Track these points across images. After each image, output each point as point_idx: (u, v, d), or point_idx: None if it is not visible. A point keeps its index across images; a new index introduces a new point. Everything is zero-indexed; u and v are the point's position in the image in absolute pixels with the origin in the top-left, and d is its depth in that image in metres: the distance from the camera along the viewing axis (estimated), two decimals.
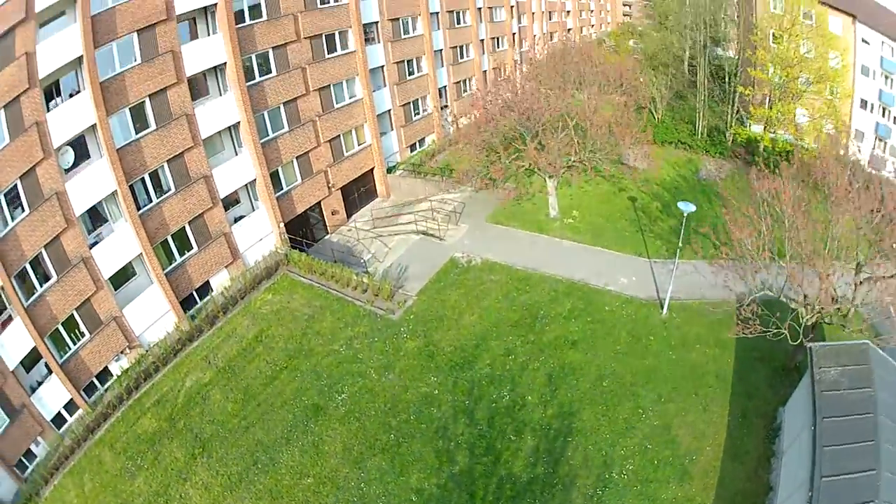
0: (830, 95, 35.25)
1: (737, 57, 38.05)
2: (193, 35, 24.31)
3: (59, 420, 21.02)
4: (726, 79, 38.11)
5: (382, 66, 35.00)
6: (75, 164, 21.10)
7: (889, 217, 17.30)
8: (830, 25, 35.92)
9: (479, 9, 45.24)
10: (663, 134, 39.56)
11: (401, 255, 27.72)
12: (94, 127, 20.54)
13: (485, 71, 46.77)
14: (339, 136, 31.41)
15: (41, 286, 19.98)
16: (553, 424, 19.12)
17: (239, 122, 25.86)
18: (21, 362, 19.62)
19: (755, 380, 19.87)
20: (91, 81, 19.75)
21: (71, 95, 20.50)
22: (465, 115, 42.14)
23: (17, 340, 19.27)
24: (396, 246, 28.75)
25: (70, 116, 19.88)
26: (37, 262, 19.78)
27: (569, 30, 69.59)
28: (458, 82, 43.33)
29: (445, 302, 24.29)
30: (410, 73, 37.40)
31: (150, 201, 23.37)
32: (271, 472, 18.50)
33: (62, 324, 20.66)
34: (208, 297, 26.32)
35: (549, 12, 64.26)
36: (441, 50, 40.54)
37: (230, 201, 27.21)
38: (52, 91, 20.04)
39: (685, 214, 19.94)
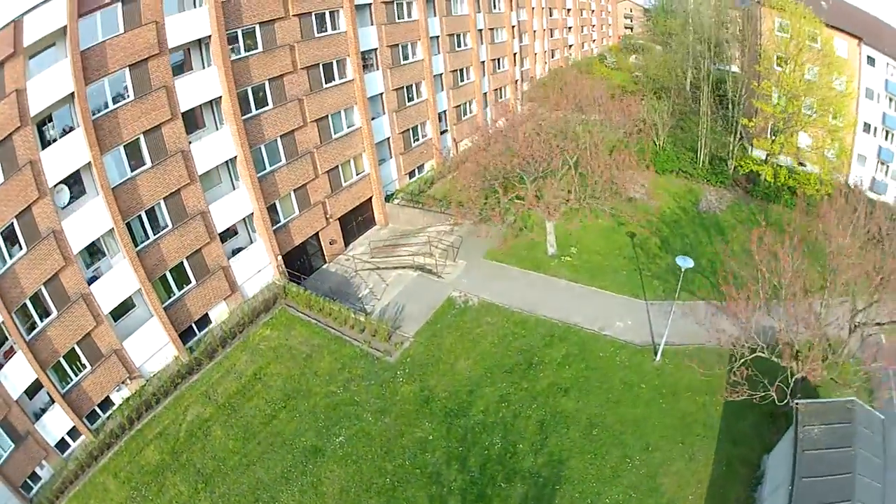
0: (834, 119, 35.13)
1: (740, 85, 37.64)
2: (188, 67, 24.32)
3: (62, 445, 21.52)
4: (729, 107, 37.90)
5: (381, 94, 34.86)
6: (72, 199, 21.25)
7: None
8: (836, 48, 35.83)
9: (480, 30, 45.08)
10: (664, 162, 39.26)
11: (398, 293, 27.66)
12: (88, 165, 20.60)
13: (485, 93, 46.70)
14: (337, 166, 31.38)
15: (42, 321, 20.32)
16: (542, 472, 19.29)
17: (236, 157, 25.92)
18: (24, 391, 20.12)
19: (742, 426, 19.94)
20: (83, 119, 19.75)
21: (65, 132, 20.45)
22: (467, 137, 42.48)
23: (20, 372, 19.75)
24: (394, 282, 28.67)
25: (64, 155, 19.94)
26: (37, 299, 20.04)
27: (570, 46, 69.58)
28: (458, 106, 43.18)
29: (441, 345, 24.32)
30: (410, 100, 37.21)
31: (148, 238, 23.45)
32: None
33: (64, 356, 21.04)
34: (207, 329, 26.53)
35: (551, 30, 64.16)
36: (441, 74, 40.40)
37: (228, 233, 27.29)
38: (45, 128, 20.07)
39: (682, 269, 19.84)
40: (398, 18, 35.33)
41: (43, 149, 19.43)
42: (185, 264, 24.96)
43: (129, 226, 22.35)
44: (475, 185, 26.94)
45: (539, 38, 60.56)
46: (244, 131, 25.51)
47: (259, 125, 26.54)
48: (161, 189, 23.10)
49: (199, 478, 20.13)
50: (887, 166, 37.50)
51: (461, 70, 43.16)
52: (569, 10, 68.30)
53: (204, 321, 26.60)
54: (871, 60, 35.72)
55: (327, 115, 30.15)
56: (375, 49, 33.93)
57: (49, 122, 20.14)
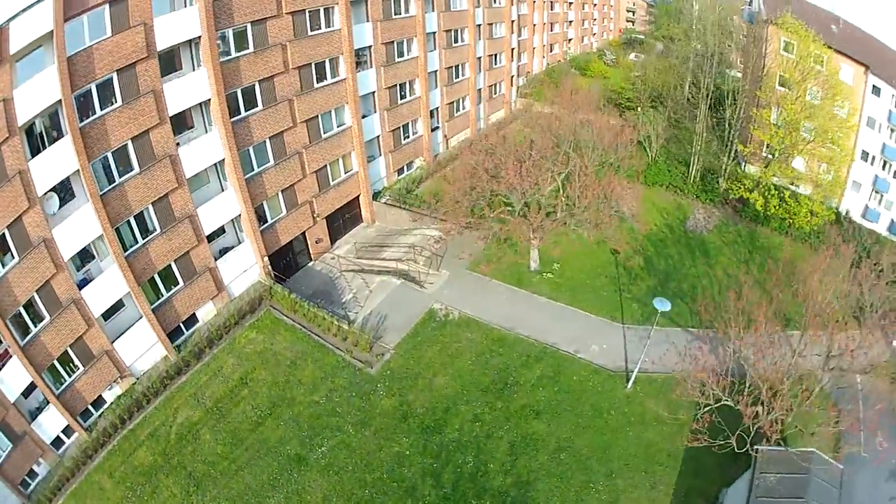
0: (832, 145, 35.08)
1: (738, 107, 36.89)
2: (179, 66, 23.70)
3: (57, 442, 22.16)
4: (726, 126, 37.31)
5: (373, 92, 34.28)
6: (62, 204, 21.13)
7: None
8: (841, 73, 35.47)
9: (479, 26, 44.15)
10: (655, 175, 38.93)
11: (381, 301, 27.82)
12: (77, 172, 20.31)
13: (480, 89, 46.16)
14: (325, 165, 31.13)
15: (35, 326, 20.51)
16: (510, 493, 19.98)
17: (224, 160, 25.69)
18: (20, 393, 20.52)
19: (705, 459, 20.42)
20: (71, 126, 19.36)
21: (53, 140, 20.00)
22: (459, 132, 42.22)
23: (16, 376, 20.07)
24: (377, 289, 28.81)
25: (53, 163, 19.62)
26: (30, 305, 20.19)
27: (569, 40, 68.54)
28: (452, 103, 42.63)
29: (421, 359, 24.66)
30: (402, 97, 36.61)
31: (137, 242, 23.45)
32: None
33: (57, 359, 21.35)
34: (194, 328, 26.88)
35: (551, 24, 63.04)
36: (435, 71, 39.74)
37: (216, 232, 27.19)
38: (33, 136, 19.65)
39: (659, 311, 20.19)
40: (395, 14, 34.48)
41: (31, 157, 19.12)
42: (174, 266, 25.04)
43: (118, 231, 22.30)
44: (462, 203, 26.81)
45: (538, 33, 59.53)
46: (233, 134, 25.18)
47: (248, 127, 26.13)
48: (149, 194, 22.93)
49: (191, 481, 20.77)
50: (881, 195, 37.78)
51: (457, 66, 42.40)
52: (570, 3, 67.01)
53: (191, 320, 26.86)
54: (876, 90, 35.34)
55: (317, 115, 29.70)
56: (369, 46, 33.19)
57: (36, 128, 19.71)
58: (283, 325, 26.58)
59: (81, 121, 20.00)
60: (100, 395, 23.32)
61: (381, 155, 36.48)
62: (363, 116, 33.63)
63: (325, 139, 30.58)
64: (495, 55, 48.31)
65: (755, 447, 17.62)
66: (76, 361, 22.19)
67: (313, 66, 28.82)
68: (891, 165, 36.99)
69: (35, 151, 19.50)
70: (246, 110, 26.11)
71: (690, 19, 50.76)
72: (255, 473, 20.92)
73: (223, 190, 26.88)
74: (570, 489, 19.97)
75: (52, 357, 21.00)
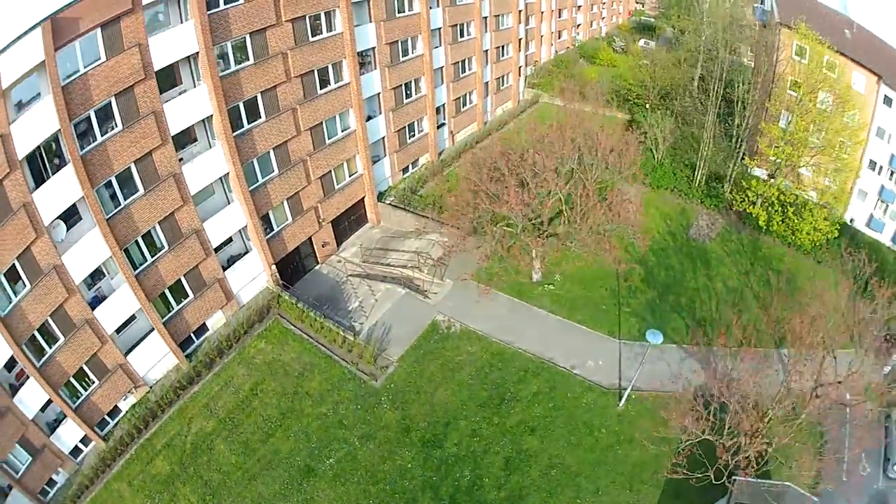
0: (841, 153, 34.19)
1: (748, 114, 35.64)
2: (178, 81, 23.39)
3: (75, 451, 22.92)
4: (734, 135, 36.16)
5: (378, 94, 33.71)
6: (70, 225, 21.34)
7: None
8: (853, 82, 34.55)
9: (485, 18, 42.77)
10: (660, 178, 38.15)
11: (385, 312, 28.05)
12: (82, 198, 20.37)
13: (486, 82, 45.20)
14: (330, 171, 31.01)
15: (50, 348, 21.09)
16: None
17: (228, 174, 25.66)
18: (39, 409, 21.23)
19: (688, 482, 20.40)
20: (72, 155, 19.28)
21: (56, 167, 19.90)
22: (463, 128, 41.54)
23: (34, 395, 20.69)
24: (382, 298, 28.99)
25: (57, 193, 19.67)
26: (44, 328, 20.68)
27: (578, 25, 66.56)
28: (458, 98, 41.90)
29: (423, 373, 25.04)
30: (408, 97, 35.97)
31: (146, 260, 23.72)
32: None
33: (73, 376, 21.96)
34: (204, 337, 27.50)
35: (560, 10, 61.17)
36: (441, 67, 38.93)
37: (223, 242, 27.35)
38: (36, 163, 19.59)
39: (650, 343, 20.24)
40: (398, 13, 33.38)
41: (36, 188, 19.21)
42: (183, 280, 25.37)
43: (126, 251, 22.54)
44: (464, 221, 26.61)
45: (546, 20, 57.78)
46: (236, 148, 25.02)
47: (251, 140, 25.94)
48: (155, 214, 23.03)
49: (207, 490, 21.54)
50: (887, 205, 37.03)
51: (463, 61, 41.45)
52: None
53: (202, 329, 27.36)
54: (888, 100, 34.36)
55: (321, 122, 29.36)
56: (373, 48, 32.43)
57: (39, 156, 19.61)
58: (291, 335, 27.02)
59: (83, 148, 19.94)
60: (115, 406, 24.03)
61: (385, 155, 36.16)
62: (368, 118, 33.23)
63: (330, 145, 30.30)
64: (502, 47, 47.06)
65: (732, 478, 17.86)
66: (91, 376, 22.77)
67: (316, 73, 28.24)
68: None
69: (38, 179, 19.53)
70: (249, 123, 25.83)
71: (700, 12, 48.98)
72: (267, 483, 21.68)
73: (229, 202, 26.87)
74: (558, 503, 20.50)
75: (67, 375, 21.60)
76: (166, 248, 24.14)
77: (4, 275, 18.96)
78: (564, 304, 27.75)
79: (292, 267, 31.16)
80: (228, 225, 26.68)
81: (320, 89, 28.84)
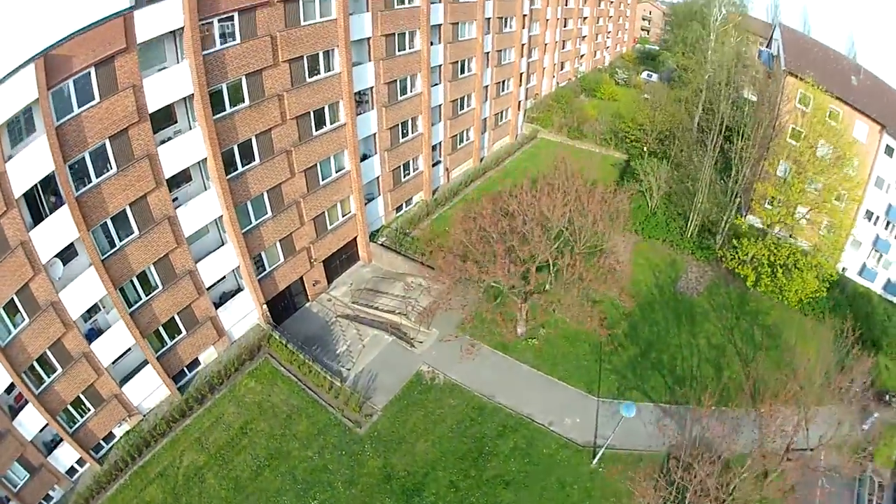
0: (838, 202, 34.96)
1: (743, 166, 36.12)
2: (174, 120, 23.86)
3: (71, 471, 23.90)
4: (729, 186, 36.78)
5: (374, 134, 34.35)
6: (67, 261, 21.86)
7: None
8: (855, 131, 35.33)
9: (487, 53, 43.66)
10: (652, 229, 38.77)
11: (372, 360, 28.69)
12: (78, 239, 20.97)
13: (485, 118, 45.94)
14: (323, 211, 31.63)
15: (49, 377, 21.91)
16: None
17: (222, 216, 26.22)
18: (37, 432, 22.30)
19: None
20: (67, 197, 19.84)
21: (52, 206, 20.55)
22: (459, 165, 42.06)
23: (33, 419, 21.68)
24: (370, 344, 29.61)
25: (53, 233, 20.25)
26: (43, 359, 21.48)
27: (581, 56, 67.62)
28: (455, 136, 42.62)
29: (406, 423, 25.67)
30: (404, 136, 36.65)
31: (140, 299, 24.41)
32: None
33: (70, 403, 22.82)
34: (197, 370, 28.31)
35: (563, 41, 62.16)
36: (440, 105, 39.69)
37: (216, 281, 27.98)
38: (34, 203, 20.22)
39: (623, 416, 20.82)
40: (399, 51, 34.04)
41: (34, 226, 19.79)
42: (176, 318, 26.10)
43: (121, 290, 23.23)
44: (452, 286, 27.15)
45: (549, 52, 58.77)
46: (230, 192, 25.66)
47: (245, 183, 26.55)
48: (150, 256, 23.70)
49: None
50: (881, 255, 37.68)
51: (462, 98, 42.24)
52: (585, 18, 65.97)
53: (194, 363, 28.16)
54: (889, 150, 35.11)
55: (316, 164, 29.96)
56: (371, 87, 33.04)
57: (36, 195, 20.19)
58: (280, 376, 27.71)
59: (78, 189, 20.43)
60: (110, 431, 25.03)
61: (380, 194, 36.82)
62: (363, 158, 33.98)
63: (324, 186, 30.95)
64: (503, 82, 47.88)
65: None
66: (87, 404, 23.72)
67: (312, 114, 28.75)
68: (894, 227, 36.92)
69: (36, 217, 20.16)
70: (243, 165, 26.42)
71: (705, 49, 50.05)
72: None
73: (223, 242, 27.55)
74: None
75: (65, 402, 22.56)
76: (160, 287, 24.86)
77: (3, 308, 19.72)
78: (547, 359, 28.41)
79: (283, 304, 31.75)
80: (221, 266, 27.39)
81: (316, 130, 29.40)
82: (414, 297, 31.41)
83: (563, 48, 63.20)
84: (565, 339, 29.47)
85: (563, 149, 46.99)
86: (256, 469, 24.08)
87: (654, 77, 70.31)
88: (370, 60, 32.58)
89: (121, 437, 25.20)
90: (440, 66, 38.66)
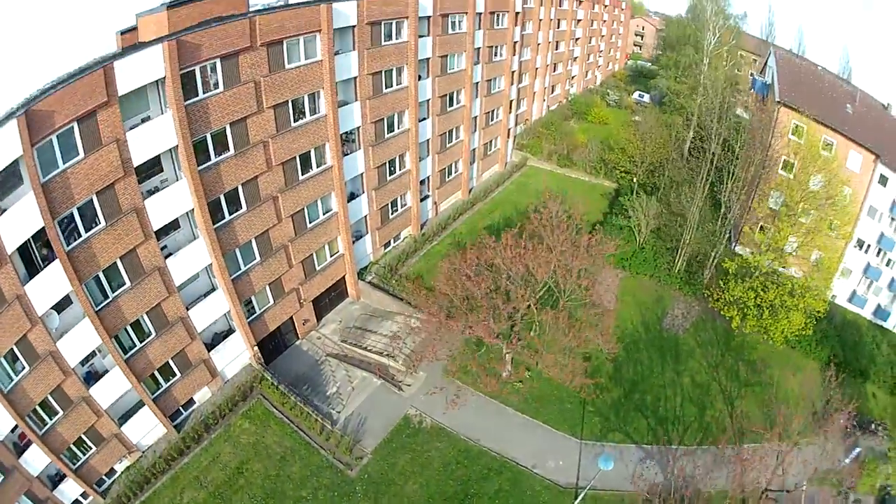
0: (831, 232, 35.84)
1: (734, 202, 37.09)
2: (160, 170, 24.68)
3: (76, 503, 25.20)
4: (716, 232, 37.59)
5: (361, 174, 35.21)
6: (62, 308, 22.74)
7: None
8: (849, 161, 36.32)
9: (477, 83, 44.44)
10: (640, 265, 39.55)
11: (362, 402, 29.89)
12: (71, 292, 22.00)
13: (474, 149, 46.91)
14: (311, 254, 32.69)
15: (51, 419, 23.18)
16: None
17: (211, 264, 27.22)
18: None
19: None
20: (58, 252, 20.62)
21: (45, 259, 21.49)
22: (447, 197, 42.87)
23: (37, 457, 23.03)
24: (359, 386, 30.77)
25: (47, 287, 21.18)
26: (45, 403, 22.67)
27: (572, 77, 68.78)
28: (443, 169, 43.47)
29: (395, 466, 26.90)
30: (391, 173, 37.47)
31: (135, 346, 25.54)
32: None
33: (72, 443, 24.07)
34: (192, 409, 29.62)
35: (554, 64, 63.28)
36: (428, 140, 40.47)
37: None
38: (29, 256, 21.25)
39: (601, 468, 21.85)
40: (386, 88, 34.63)
41: (29, 279, 20.76)
42: (171, 362, 27.30)
43: (116, 337, 24.34)
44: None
45: (540, 76, 59.85)
46: (217, 240, 26.62)
47: (233, 231, 27.49)
48: (142, 305, 24.71)
49: None
50: (871, 282, 38.69)
51: (450, 131, 43.03)
52: (577, 39, 67.14)
53: (189, 402, 29.43)
54: (883, 180, 36.09)
55: (303, 208, 30.94)
56: (358, 127, 33.72)
57: (29, 250, 21.18)
58: (273, 417, 28.92)
59: (69, 244, 21.22)
60: (112, 468, 26.36)
61: (367, 232, 37.76)
62: (351, 197, 34.98)
63: (311, 229, 31.99)
64: (492, 111, 48.70)
65: None
66: (89, 443, 24.98)
67: (298, 159, 29.38)
68: (885, 254, 37.94)
69: (32, 270, 21.20)
70: (230, 214, 27.19)
71: (698, 74, 51.19)
72: None
73: (213, 288, 28.60)
74: None
75: (67, 442, 23.77)
76: (154, 334, 26.00)
77: (4, 357, 20.85)
78: (531, 403, 29.49)
79: (273, 343, 32.85)
80: (212, 311, 28.51)
81: (302, 175, 30.16)
82: (402, 337, 32.41)
83: (555, 71, 64.32)
84: (549, 383, 30.38)
85: (552, 178, 48.18)
86: None
87: (646, 97, 71.84)
88: (356, 100, 33.10)
89: (122, 472, 26.56)
90: (428, 100, 39.40)
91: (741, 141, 36.42)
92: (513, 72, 50.06)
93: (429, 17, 37.40)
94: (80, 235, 21.82)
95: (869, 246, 38.58)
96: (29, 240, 20.69)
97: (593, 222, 43.83)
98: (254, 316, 30.72)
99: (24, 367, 21.55)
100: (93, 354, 24.82)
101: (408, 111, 37.26)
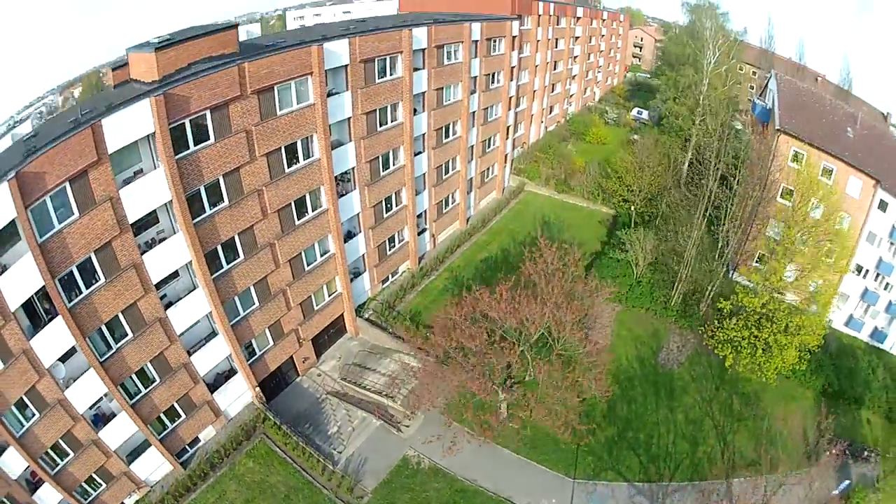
0: (829, 259, 36.21)
1: (731, 233, 37.56)
2: (155, 221, 25.35)
3: None
4: (712, 269, 38.09)
5: (357, 214, 36.00)
6: (69, 357, 23.80)
7: None
8: (849, 187, 36.81)
9: (473, 113, 44.94)
10: (637, 298, 40.12)
11: (362, 444, 31.02)
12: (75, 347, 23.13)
13: (471, 178, 47.70)
14: (310, 295, 33.82)
15: (62, 461, 24.71)
16: None
17: (211, 311, 28.33)
18: None
19: None
20: (60, 310, 21.49)
21: (49, 314, 22.44)
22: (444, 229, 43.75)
23: (50, 495, 24.56)
24: (359, 427, 31.90)
25: (52, 341, 22.27)
26: (56, 446, 24.13)
27: (570, 96, 69.45)
28: (440, 202, 44.21)
29: None
30: (388, 210, 38.30)
31: (140, 392, 26.80)
32: None
33: (84, 481, 25.50)
34: (198, 447, 30.91)
35: (553, 84, 63.86)
36: (424, 174, 41.11)
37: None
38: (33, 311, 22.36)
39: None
40: (380, 126, 35.06)
41: (35, 333, 21.85)
42: (175, 405, 28.55)
43: (123, 385, 25.56)
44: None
45: (538, 98, 60.42)
46: (216, 291, 27.71)
47: (231, 280, 28.56)
48: (146, 355, 25.88)
49: None
50: (868, 306, 39.17)
51: (447, 162, 43.59)
52: (575, 57, 67.76)
53: (194, 440, 30.77)
54: (883, 205, 36.52)
55: (300, 252, 31.90)
56: (352, 168, 34.34)
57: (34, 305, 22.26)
58: (277, 457, 30.16)
59: (70, 300, 22.12)
60: (122, 502, 27.82)
61: (365, 270, 38.72)
62: (348, 237, 35.97)
63: (309, 272, 33.02)
64: (489, 138, 49.24)
65: None
66: (99, 480, 26.42)
67: (293, 204, 30.11)
68: (883, 278, 38.42)
69: (35, 321, 22.30)
70: (228, 263, 28.18)
71: (698, 95, 51.77)
72: None
73: (214, 333, 29.69)
74: None
75: (78, 481, 25.21)
76: (158, 381, 27.25)
77: (15, 405, 22.21)
78: (526, 443, 30.37)
79: (275, 381, 34.04)
80: (214, 356, 29.72)
81: (298, 220, 30.96)
82: (400, 379, 33.46)
83: (553, 91, 64.97)
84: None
85: (550, 204, 48.95)
86: None
87: (645, 114, 72.62)
88: (351, 140, 33.58)
89: None
90: (424, 133, 39.80)
91: (739, 176, 36.75)
92: (510, 97, 50.34)
93: (423, 49, 37.77)
94: (81, 292, 22.60)
95: (867, 271, 39.03)
96: (32, 297, 21.66)
97: (591, 252, 44.69)
98: (254, 358, 31.92)
99: (34, 414, 22.92)
100: (100, 398, 25.98)
101: (402, 147, 37.72)
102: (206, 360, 29.36)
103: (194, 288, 27.85)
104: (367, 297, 39.59)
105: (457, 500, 28.04)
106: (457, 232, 47.56)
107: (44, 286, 20.89)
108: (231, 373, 31.68)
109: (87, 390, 24.36)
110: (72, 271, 22.04)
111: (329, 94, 30.77)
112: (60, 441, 24.09)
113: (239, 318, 30.11)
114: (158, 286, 25.85)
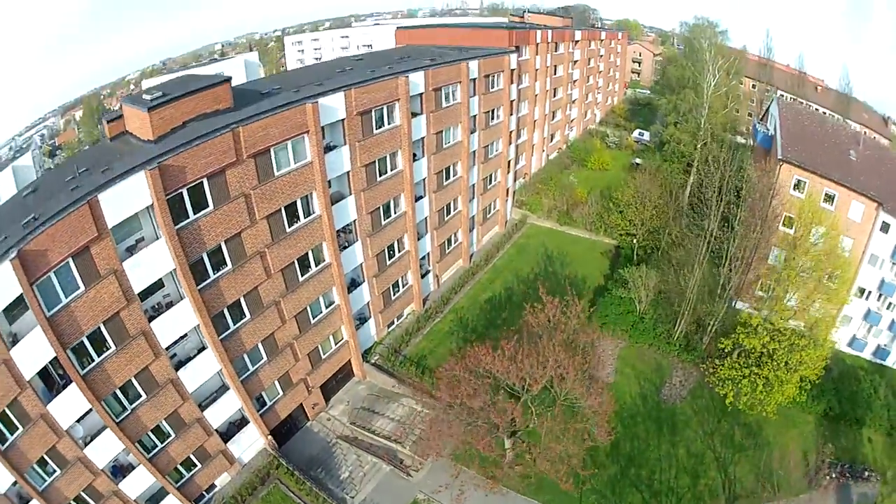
0: (830, 282, 36.05)
1: (734, 267, 38.00)
2: (160, 284, 26.31)
3: None
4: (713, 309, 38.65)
5: (360, 264, 37.38)
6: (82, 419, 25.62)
7: None
8: (851, 211, 37.38)
9: (473, 152, 45.63)
10: (640, 334, 40.72)
11: (372, 490, 32.40)
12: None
13: (473, 216, 48.69)
14: (317, 346, 35.46)
15: None
16: None
17: (221, 369, 30.02)
18: None
19: None
20: (73, 377, 22.85)
21: (64, 379, 24.05)
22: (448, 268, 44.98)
23: None
24: (370, 472, 33.31)
25: (68, 406, 23.90)
26: (79, 497, 25.81)
27: (571, 120, 70.15)
28: (443, 243, 45.33)
29: None
30: (391, 257, 39.52)
31: (157, 446, 28.54)
32: None
33: None
34: (214, 492, 32.41)
35: (553, 112, 64.49)
36: (425, 218, 42.11)
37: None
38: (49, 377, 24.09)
39: None
40: (380, 176, 35.77)
41: (50, 399, 23.46)
42: (191, 456, 30.23)
43: (140, 441, 27.28)
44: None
45: (539, 128, 61.07)
46: (225, 350, 29.26)
47: (239, 339, 30.08)
48: (160, 413, 27.50)
49: None
50: (871, 326, 39.55)
51: (448, 204, 44.53)
52: (575, 81, 68.44)
53: (210, 487, 32.42)
54: (885, 227, 37.06)
55: (306, 307, 33.46)
56: (354, 220, 35.09)
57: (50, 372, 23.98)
58: (292, 502, 31.59)
59: (83, 368, 23.41)
60: None
61: (371, 316, 40.12)
62: (352, 286, 37.40)
63: (315, 324, 34.60)
64: (491, 175, 50.09)
65: None
66: None
67: (296, 262, 31.23)
68: (886, 299, 38.74)
69: (51, 386, 23.96)
70: (234, 324, 29.57)
71: (699, 118, 52.40)
72: None
73: (226, 388, 31.29)
74: None
75: None
76: (173, 436, 28.95)
77: (36, 462, 23.91)
78: (532, 483, 31.21)
79: (286, 427, 35.72)
80: (225, 410, 31.37)
81: (302, 276, 32.23)
82: (409, 420, 34.83)
83: (553, 119, 65.45)
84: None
85: (552, 237, 49.83)
86: None
87: (646, 136, 73.37)
88: (351, 193, 34.40)
89: None
90: (424, 178, 40.68)
91: (740, 216, 37.13)
92: (510, 132, 51.07)
93: (421, 94, 38.22)
94: (93, 360, 23.89)
95: (869, 293, 39.39)
96: (48, 367, 23.14)
97: (594, 286, 45.55)
98: (265, 408, 33.62)
99: (55, 471, 24.74)
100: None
101: (403, 194, 38.60)
102: (219, 414, 31.04)
103: (203, 348, 29.32)
104: (373, 342, 40.94)
105: None
106: (461, 270, 48.53)
107: (55, 357, 22.09)
108: (243, 422, 33.28)
109: (106, 447, 26.04)
110: (83, 341, 23.22)
111: (327, 149, 31.61)
112: (82, 493, 25.69)
113: (249, 373, 31.71)
114: (168, 347, 27.28)
